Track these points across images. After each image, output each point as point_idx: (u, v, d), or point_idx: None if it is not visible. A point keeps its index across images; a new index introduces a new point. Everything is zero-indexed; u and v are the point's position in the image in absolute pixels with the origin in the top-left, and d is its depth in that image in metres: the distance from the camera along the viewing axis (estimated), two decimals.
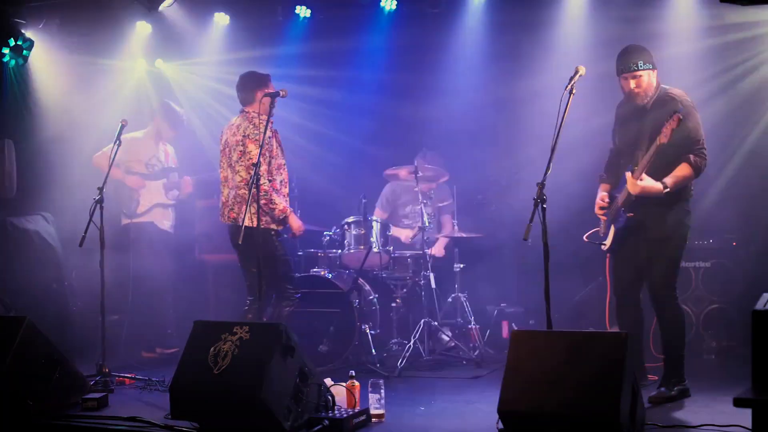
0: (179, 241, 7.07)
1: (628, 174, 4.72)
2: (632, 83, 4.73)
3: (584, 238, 5.19)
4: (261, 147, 4.98)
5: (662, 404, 4.60)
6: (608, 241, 4.99)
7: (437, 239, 7.19)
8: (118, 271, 6.49)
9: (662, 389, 4.73)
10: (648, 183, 4.60)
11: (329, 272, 6.31)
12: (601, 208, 5.04)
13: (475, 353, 6.37)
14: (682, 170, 4.63)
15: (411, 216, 7.19)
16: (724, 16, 6.36)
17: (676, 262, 4.84)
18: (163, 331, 6.87)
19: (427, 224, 6.54)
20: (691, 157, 4.64)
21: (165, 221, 6.87)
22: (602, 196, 5.05)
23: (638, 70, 4.70)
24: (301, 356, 4.25)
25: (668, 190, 4.58)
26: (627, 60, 4.73)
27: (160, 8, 7.27)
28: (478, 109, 7.38)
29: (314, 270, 6.57)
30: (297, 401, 4.12)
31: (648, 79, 4.73)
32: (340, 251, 6.59)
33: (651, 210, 4.74)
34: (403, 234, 7.00)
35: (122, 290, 6.70)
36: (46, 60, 7.65)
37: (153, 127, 6.93)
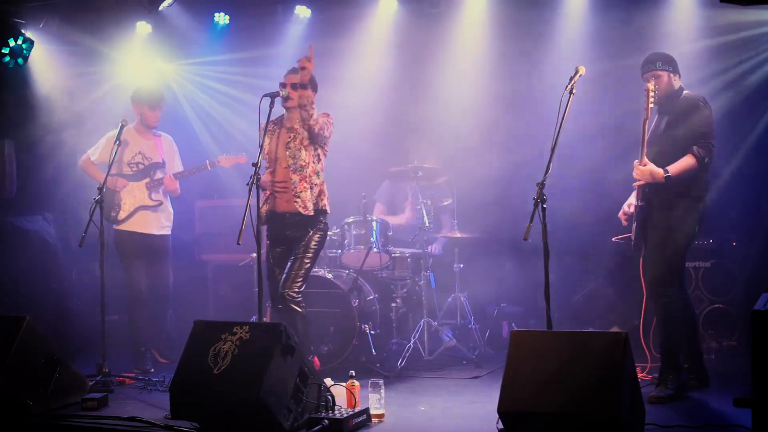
0: (179, 241, 6.91)
1: (636, 162, 4.85)
2: (652, 83, 4.88)
3: (612, 239, 5.24)
4: (261, 147, 4.98)
5: (662, 404, 4.60)
6: (633, 237, 5.01)
7: (437, 238, 7.20)
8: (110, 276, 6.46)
9: (660, 388, 4.74)
10: (650, 167, 4.76)
11: (329, 272, 6.31)
12: (624, 213, 5.11)
13: (475, 353, 6.37)
14: (685, 159, 4.76)
15: (411, 211, 7.19)
16: (724, 16, 6.36)
17: (676, 259, 4.85)
18: (165, 339, 6.67)
19: (426, 224, 6.53)
20: (695, 148, 4.76)
21: (152, 224, 6.39)
22: (629, 203, 5.10)
23: (656, 69, 4.89)
24: (301, 356, 4.25)
25: (669, 175, 4.72)
26: (647, 62, 4.96)
27: (160, 8, 7.27)
28: (478, 108, 7.37)
29: (314, 270, 6.56)
30: (297, 401, 4.13)
31: (667, 80, 4.90)
32: (340, 251, 6.59)
33: (659, 201, 4.83)
34: (403, 218, 6.99)
35: (123, 292, 6.65)
36: (46, 60, 7.65)
37: (136, 119, 6.47)
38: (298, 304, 5.19)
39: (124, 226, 6.35)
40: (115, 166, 6.23)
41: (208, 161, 6.54)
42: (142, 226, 6.38)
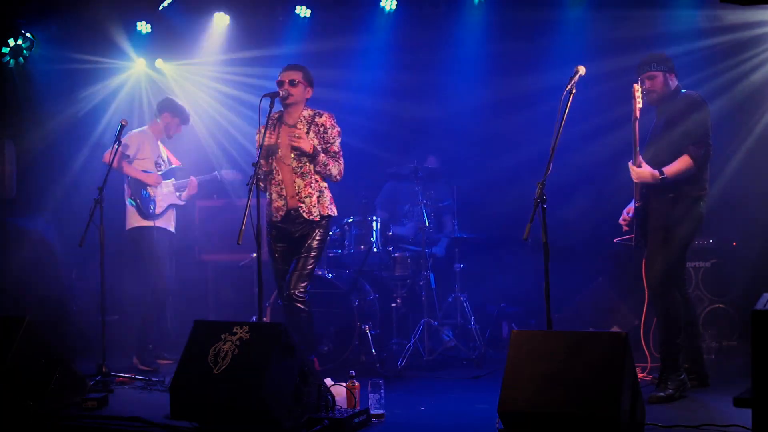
0: (179, 241, 6.87)
1: (630, 163, 4.83)
2: (647, 83, 4.91)
3: (615, 240, 5.25)
4: (261, 148, 4.98)
5: (662, 404, 4.60)
6: (634, 238, 5.01)
7: (439, 239, 7.19)
8: (123, 274, 6.44)
9: (660, 388, 4.74)
10: (646, 169, 4.76)
11: (329, 272, 6.31)
12: (624, 219, 5.11)
13: (475, 353, 6.37)
14: (681, 160, 4.75)
15: (410, 215, 7.20)
16: (724, 16, 6.37)
17: (676, 259, 4.86)
18: (165, 339, 6.71)
19: (427, 224, 6.54)
20: (691, 147, 4.75)
21: (172, 223, 6.59)
22: (629, 208, 5.09)
23: (651, 70, 4.91)
24: (301, 356, 4.25)
25: (665, 176, 4.72)
26: (642, 63, 4.98)
27: (160, 8, 7.27)
28: (478, 108, 7.38)
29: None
30: (297, 401, 4.13)
31: (663, 80, 4.91)
32: (340, 251, 6.59)
33: (657, 200, 4.83)
34: (405, 229, 6.98)
35: (124, 292, 6.63)
36: (46, 60, 7.65)
37: (160, 124, 6.60)
38: (304, 303, 5.20)
39: (159, 222, 6.45)
40: (145, 163, 6.42)
41: (216, 172, 6.82)
42: (168, 224, 6.54)
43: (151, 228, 6.39)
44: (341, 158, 5.28)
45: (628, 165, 4.84)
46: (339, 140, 5.28)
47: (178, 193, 6.62)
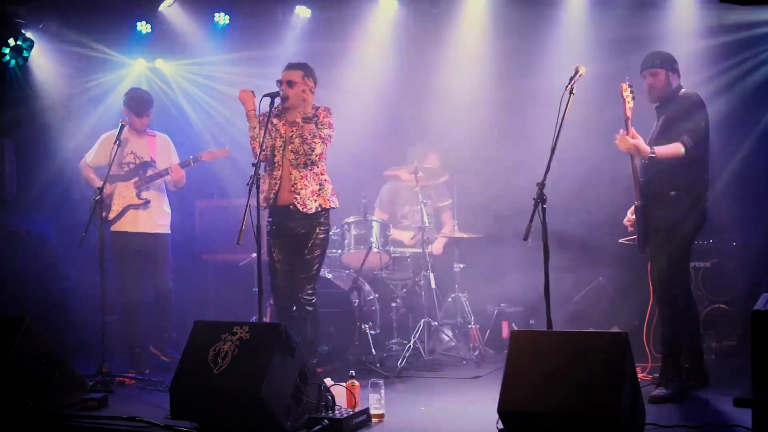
0: (179, 241, 6.84)
1: (621, 131, 4.78)
2: (649, 79, 4.95)
3: (619, 240, 5.25)
4: (261, 147, 4.98)
5: (662, 404, 4.60)
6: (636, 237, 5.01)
7: (436, 238, 7.19)
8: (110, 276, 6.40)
9: (660, 388, 4.74)
10: (638, 141, 4.73)
11: (329, 272, 6.30)
12: (629, 220, 5.11)
13: (475, 353, 6.37)
14: (674, 145, 4.75)
15: (410, 216, 7.19)
16: (724, 16, 6.37)
17: (676, 259, 4.85)
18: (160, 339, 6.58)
19: (427, 224, 6.53)
20: (684, 137, 4.76)
21: (143, 223, 6.24)
22: (633, 209, 5.07)
23: (654, 67, 4.94)
24: (301, 356, 4.26)
25: (654, 155, 4.71)
26: (646, 59, 5.01)
27: (160, 8, 7.27)
28: (479, 108, 7.37)
29: None
30: (297, 401, 4.13)
31: (664, 78, 4.93)
32: (340, 251, 6.59)
33: (658, 200, 4.82)
34: (405, 237, 6.95)
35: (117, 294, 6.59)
36: (46, 60, 7.65)
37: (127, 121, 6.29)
38: (312, 305, 5.23)
39: (115, 227, 6.22)
40: (108, 167, 6.13)
41: (191, 156, 6.38)
42: (133, 225, 6.26)
43: (108, 233, 6.13)
44: (327, 144, 5.29)
45: (618, 146, 4.79)
46: (327, 131, 5.28)
47: (140, 193, 6.26)
